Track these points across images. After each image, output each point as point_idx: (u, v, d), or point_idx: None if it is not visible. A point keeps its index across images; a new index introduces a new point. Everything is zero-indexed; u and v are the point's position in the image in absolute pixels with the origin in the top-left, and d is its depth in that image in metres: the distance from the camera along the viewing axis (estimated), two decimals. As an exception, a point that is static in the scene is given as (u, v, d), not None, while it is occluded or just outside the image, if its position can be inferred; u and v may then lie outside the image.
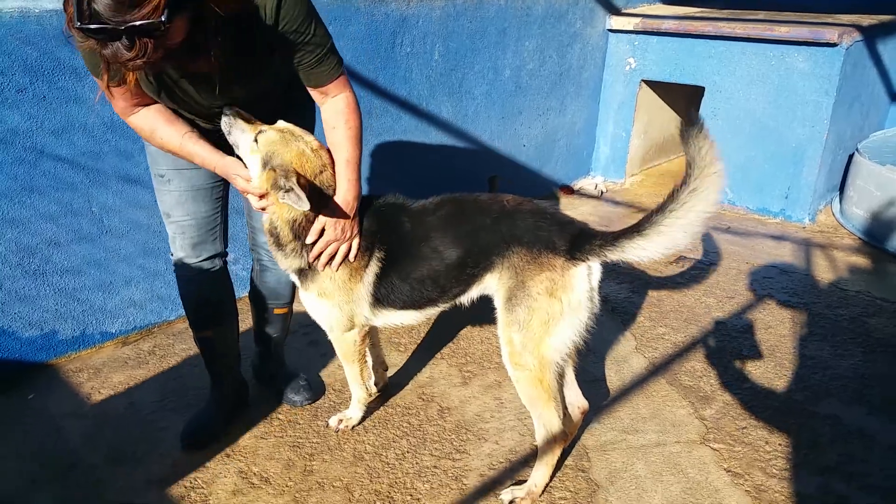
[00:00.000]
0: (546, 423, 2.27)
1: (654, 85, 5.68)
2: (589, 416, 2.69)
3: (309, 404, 2.84)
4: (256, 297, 2.79)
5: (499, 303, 2.25)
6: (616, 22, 5.57)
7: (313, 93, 2.18)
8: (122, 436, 2.71)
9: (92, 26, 1.52)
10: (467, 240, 2.27)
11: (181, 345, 3.35)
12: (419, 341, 3.39)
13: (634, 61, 5.58)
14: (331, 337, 2.55)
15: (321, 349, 3.27)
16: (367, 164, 4.25)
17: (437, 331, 3.47)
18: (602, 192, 5.67)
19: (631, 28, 5.49)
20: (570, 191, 5.68)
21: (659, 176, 6.06)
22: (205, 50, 1.77)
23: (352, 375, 2.64)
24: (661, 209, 2.03)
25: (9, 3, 2.76)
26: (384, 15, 4.01)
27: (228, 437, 2.70)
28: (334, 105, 2.17)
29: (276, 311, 2.77)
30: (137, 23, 1.52)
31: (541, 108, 5.36)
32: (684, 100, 6.06)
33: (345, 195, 2.20)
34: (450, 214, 2.32)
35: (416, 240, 2.32)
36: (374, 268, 2.34)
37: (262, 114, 2.22)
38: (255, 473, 2.51)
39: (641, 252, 2.08)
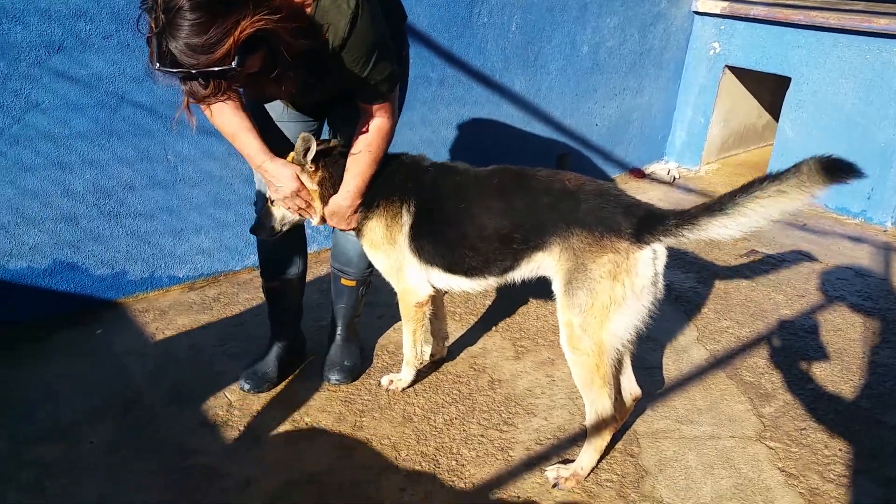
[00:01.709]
0: (598, 408, 2.24)
1: (738, 72, 5.47)
2: (643, 404, 2.65)
3: (341, 385, 2.79)
4: (332, 260, 2.82)
5: (558, 285, 2.21)
6: (703, 4, 5.37)
7: (357, 101, 2.26)
8: (181, 376, 2.80)
9: (170, 69, 1.65)
10: (517, 214, 2.24)
11: (245, 294, 3.44)
12: (475, 312, 3.38)
13: (719, 46, 5.38)
14: (396, 290, 2.58)
15: (378, 311, 3.30)
16: (435, 131, 4.24)
17: (493, 304, 3.46)
18: (675, 179, 5.52)
19: (718, 11, 5.29)
20: (641, 174, 5.55)
21: (736, 166, 5.85)
22: (277, 80, 1.87)
23: (407, 335, 2.65)
24: (747, 191, 1.95)
25: (104, -50, 2.84)
26: (464, -18, 3.97)
27: (283, 386, 2.77)
28: (371, 125, 2.26)
29: (343, 281, 2.79)
30: (211, 69, 1.64)
31: (617, 87, 5.24)
32: (769, 89, 5.83)
33: (339, 200, 2.41)
34: (503, 185, 2.30)
35: (456, 203, 2.33)
36: (406, 221, 2.39)
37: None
38: (306, 423, 2.56)
39: (723, 230, 2.01)
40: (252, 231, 2.55)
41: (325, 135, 2.69)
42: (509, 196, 2.27)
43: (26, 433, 2.46)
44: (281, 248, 2.69)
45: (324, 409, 2.64)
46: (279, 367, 2.78)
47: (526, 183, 2.28)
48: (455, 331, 3.19)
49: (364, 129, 2.28)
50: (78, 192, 3.07)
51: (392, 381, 2.76)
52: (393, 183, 2.42)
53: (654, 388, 2.83)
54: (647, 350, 3.06)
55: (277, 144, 2.46)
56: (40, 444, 2.41)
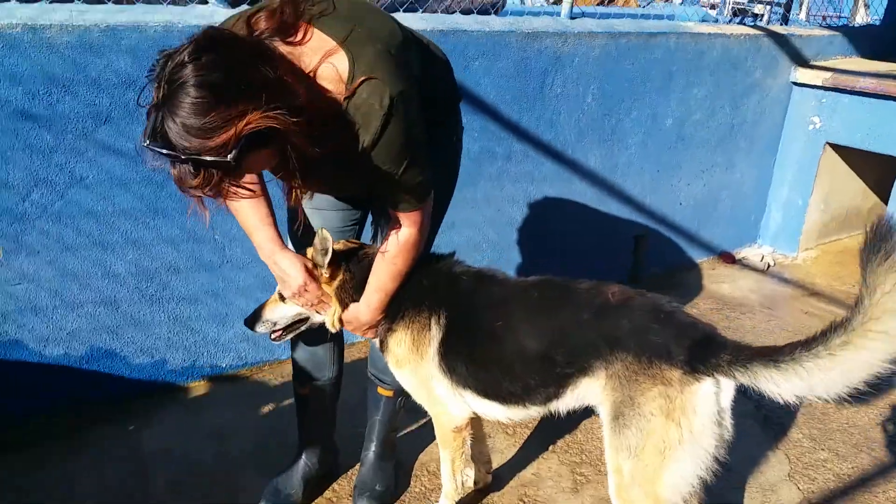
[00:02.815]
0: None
1: (840, 150, 4.95)
2: (719, 564, 2.24)
3: None
4: (369, 365, 2.56)
5: (604, 419, 1.90)
6: (802, 75, 4.91)
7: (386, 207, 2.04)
8: (201, 490, 2.58)
9: (159, 148, 1.46)
10: (556, 333, 1.95)
11: (289, 389, 3.21)
12: (529, 425, 3.02)
13: (820, 121, 4.90)
14: (430, 413, 2.29)
15: (420, 418, 2.99)
16: (500, 210, 3.96)
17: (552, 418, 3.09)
18: (769, 266, 5.01)
19: (819, 83, 4.82)
20: (731, 259, 5.08)
21: (838, 253, 5.27)
22: (288, 180, 1.69)
23: (445, 464, 2.36)
24: (807, 345, 1.64)
25: (155, 17, 2.74)
26: (536, 52, 3.72)
27: (308, 509, 2.51)
28: (397, 235, 2.03)
29: (380, 390, 2.53)
30: (204, 158, 1.45)
31: (704, 163, 4.83)
32: (875, 169, 5.26)
33: (356, 313, 2.17)
34: (542, 299, 2.03)
35: (491, 318, 2.06)
36: (436, 335, 2.12)
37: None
38: (327, 562, 2.29)
39: (773, 388, 1.70)
40: (246, 323, 2.28)
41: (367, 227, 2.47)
42: (549, 312, 2.00)
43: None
44: (314, 348, 2.46)
45: (354, 544, 2.36)
46: (305, 486, 2.53)
47: (566, 296, 1.99)
48: (505, 448, 2.85)
49: (391, 239, 2.04)
50: (119, 273, 2.95)
51: None
52: (421, 291, 2.15)
53: (735, 542, 2.41)
54: (726, 486, 2.63)
55: (308, 235, 2.24)
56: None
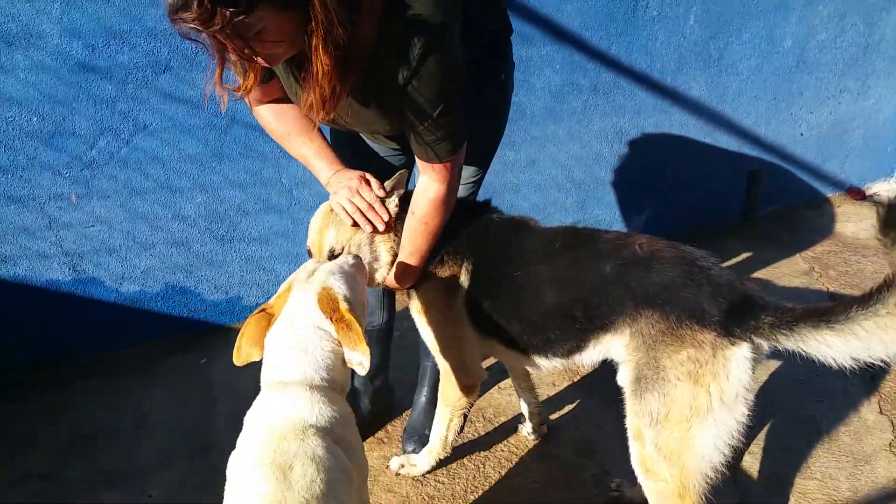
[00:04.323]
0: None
1: None
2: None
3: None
4: None
5: (625, 380, 1.72)
6: (961, -22, 4.19)
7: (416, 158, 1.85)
8: (261, 423, 2.60)
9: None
10: (576, 288, 1.77)
11: (354, 328, 3.20)
12: (588, 381, 2.81)
13: (982, 32, 4.17)
14: (444, 367, 2.10)
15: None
16: (586, 146, 3.68)
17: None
18: (903, 203, 4.40)
19: (983, -14, 4.09)
20: (860, 195, 4.50)
21: None
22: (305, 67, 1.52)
23: (440, 425, 2.19)
24: (864, 302, 1.44)
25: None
26: (628, -31, 3.37)
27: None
28: (426, 192, 1.85)
29: None
30: None
31: (831, 89, 4.26)
32: None
33: (392, 280, 2.01)
34: (564, 250, 1.84)
35: (513, 268, 1.89)
36: (464, 282, 1.96)
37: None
38: None
39: (825, 350, 1.50)
40: None
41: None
42: (570, 263, 1.82)
43: (98, 472, 2.40)
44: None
45: (390, 489, 2.29)
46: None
47: (590, 247, 1.81)
48: (560, 401, 2.67)
49: (419, 196, 1.87)
50: (189, 215, 3.01)
51: (404, 464, 2.33)
52: (453, 238, 1.99)
53: (819, 512, 2.12)
54: (811, 449, 2.32)
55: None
56: (106, 488, 2.34)
